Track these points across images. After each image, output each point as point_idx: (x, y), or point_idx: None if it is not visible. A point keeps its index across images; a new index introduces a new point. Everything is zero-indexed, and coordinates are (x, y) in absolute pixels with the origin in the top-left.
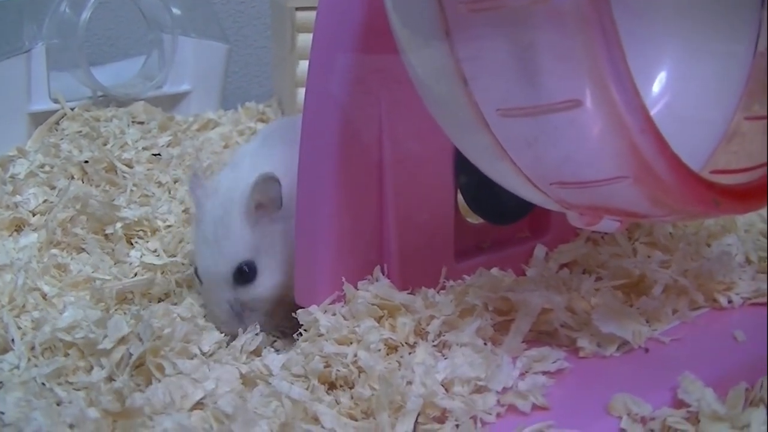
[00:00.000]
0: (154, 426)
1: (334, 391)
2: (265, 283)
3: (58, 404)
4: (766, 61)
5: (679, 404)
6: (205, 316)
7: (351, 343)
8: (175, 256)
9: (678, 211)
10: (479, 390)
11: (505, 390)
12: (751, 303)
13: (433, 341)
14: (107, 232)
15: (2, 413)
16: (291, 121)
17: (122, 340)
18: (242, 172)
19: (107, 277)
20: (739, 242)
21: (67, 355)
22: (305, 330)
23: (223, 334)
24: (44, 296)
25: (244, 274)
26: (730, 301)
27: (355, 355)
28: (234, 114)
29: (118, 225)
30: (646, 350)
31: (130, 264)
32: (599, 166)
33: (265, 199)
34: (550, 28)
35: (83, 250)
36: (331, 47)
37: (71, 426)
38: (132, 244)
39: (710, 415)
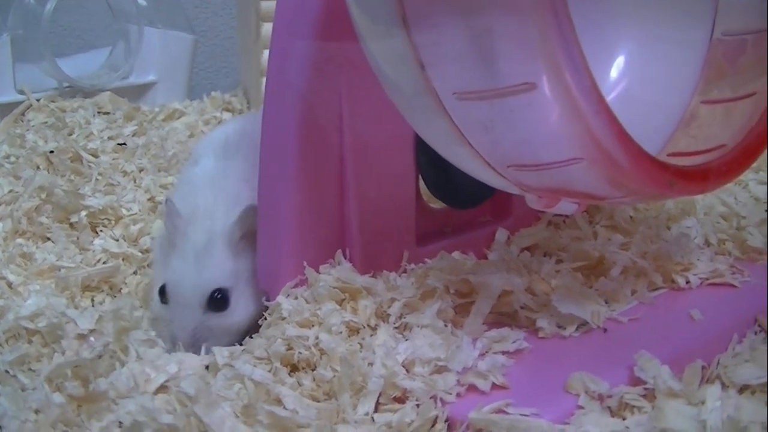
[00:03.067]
0: (118, 409)
1: (297, 373)
2: (237, 313)
3: (22, 390)
4: (723, 46)
5: (635, 382)
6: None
7: (313, 326)
8: (135, 245)
9: (634, 192)
10: (440, 370)
11: (465, 370)
12: (708, 283)
13: (394, 323)
14: (72, 220)
15: None
16: (248, 128)
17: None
18: (222, 196)
19: (71, 266)
20: (699, 225)
21: (30, 342)
22: (269, 314)
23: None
24: (9, 285)
25: (217, 302)
26: (687, 282)
27: (317, 338)
28: (200, 104)
29: (83, 213)
30: (605, 330)
31: (94, 252)
32: (555, 148)
33: (248, 230)
34: (505, 12)
35: (48, 239)
36: (290, 34)
37: (36, 411)
38: (97, 232)
39: (666, 391)
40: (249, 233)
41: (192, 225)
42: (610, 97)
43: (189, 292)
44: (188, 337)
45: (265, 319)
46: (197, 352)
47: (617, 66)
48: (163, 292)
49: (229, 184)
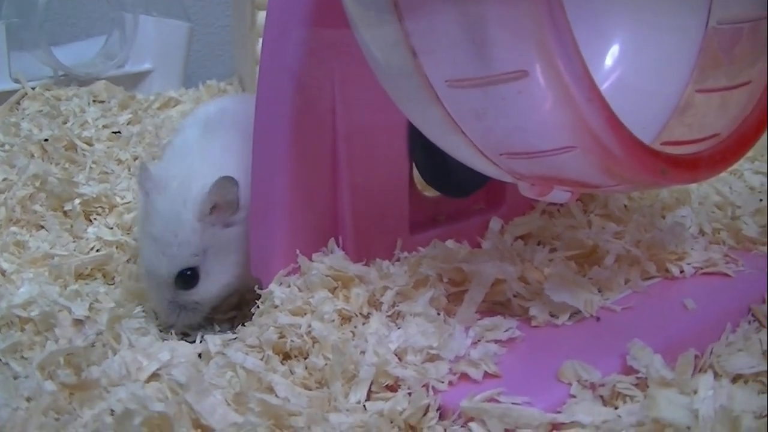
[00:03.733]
0: (109, 397)
1: (289, 361)
2: (207, 289)
3: (15, 378)
4: (718, 35)
5: (628, 371)
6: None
7: (305, 314)
8: (129, 233)
9: (627, 180)
10: (432, 359)
11: (457, 358)
12: (702, 272)
13: (386, 312)
14: (66, 208)
15: None
16: (229, 107)
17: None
18: (195, 168)
19: (64, 253)
20: (693, 214)
21: (23, 330)
22: (261, 302)
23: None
24: (3, 273)
25: (186, 279)
26: (681, 271)
27: (309, 326)
28: (195, 92)
29: (77, 201)
30: (598, 319)
31: (87, 240)
32: (548, 136)
33: (221, 202)
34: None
35: (42, 227)
36: (284, 21)
37: (28, 399)
38: (91, 220)
39: (658, 380)
40: (222, 204)
41: (163, 194)
42: (604, 86)
43: (158, 271)
44: (163, 312)
45: (258, 306)
46: (178, 322)
47: (612, 54)
48: (145, 272)
49: (204, 155)
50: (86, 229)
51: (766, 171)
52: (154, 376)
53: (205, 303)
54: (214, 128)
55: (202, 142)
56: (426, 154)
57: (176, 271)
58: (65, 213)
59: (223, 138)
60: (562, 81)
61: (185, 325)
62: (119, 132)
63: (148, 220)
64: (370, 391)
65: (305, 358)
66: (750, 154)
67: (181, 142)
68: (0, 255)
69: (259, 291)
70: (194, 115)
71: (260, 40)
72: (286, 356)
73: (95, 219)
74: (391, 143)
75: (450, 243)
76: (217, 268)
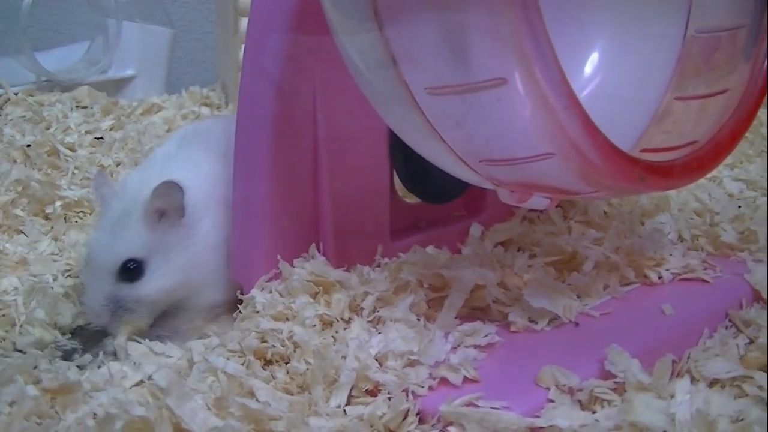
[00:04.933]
0: (91, 402)
1: (270, 366)
2: (150, 286)
3: None
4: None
5: (606, 375)
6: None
7: (287, 320)
8: None
9: (606, 187)
10: (412, 364)
11: (437, 364)
12: (681, 278)
13: (367, 317)
14: (47, 211)
15: None
16: (207, 126)
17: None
18: (152, 175)
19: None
20: (672, 220)
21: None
22: (243, 308)
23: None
24: None
25: (130, 270)
26: (660, 277)
27: (291, 331)
28: (178, 98)
29: (58, 204)
30: (576, 324)
31: (65, 247)
32: (526, 143)
33: (166, 206)
34: (477, 8)
35: (22, 232)
36: (265, 27)
37: (11, 404)
38: (72, 223)
39: (636, 385)
40: (170, 210)
41: (117, 197)
42: (583, 94)
43: (102, 259)
44: (97, 306)
45: (240, 312)
46: (107, 323)
47: (591, 62)
48: (87, 260)
49: (170, 166)
50: (64, 232)
51: (745, 178)
52: (140, 383)
53: (145, 302)
54: (185, 146)
55: (168, 158)
56: (406, 161)
57: (122, 260)
58: (47, 216)
59: (191, 152)
60: (540, 88)
61: (116, 325)
62: (102, 138)
63: (100, 220)
64: (350, 396)
65: (287, 363)
66: (729, 160)
67: (150, 158)
68: None
69: (240, 296)
70: (170, 137)
71: (243, 46)
72: (267, 362)
73: (76, 222)
74: (371, 150)
75: (430, 249)
76: (163, 269)
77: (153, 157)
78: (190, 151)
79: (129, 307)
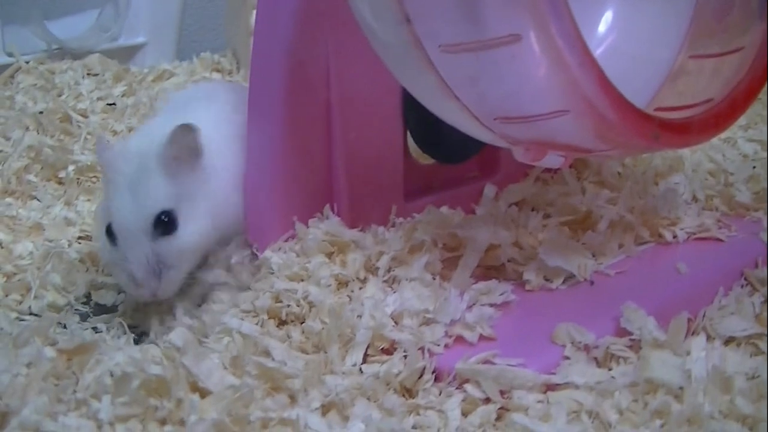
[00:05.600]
0: (107, 361)
1: (286, 326)
2: (188, 234)
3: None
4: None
5: (621, 333)
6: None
7: (302, 280)
8: None
9: (620, 144)
10: (427, 322)
11: (452, 322)
12: (695, 238)
13: (382, 276)
14: (60, 176)
15: None
16: (200, 89)
17: None
18: (154, 133)
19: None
20: (686, 181)
21: None
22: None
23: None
24: (0, 244)
25: (164, 223)
26: (674, 236)
27: (306, 291)
28: (189, 65)
29: (71, 168)
30: (592, 283)
31: (79, 212)
32: (541, 100)
33: (182, 149)
34: None
35: (35, 197)
36: None
37: (29, 365)
38: (85, 187)
39: (651, 342)
40: (185, 153)
41: (123, 158)
42: (597, 52)
43: (133, 222)
44: (142, 272)
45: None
46: (159, 286)
47: (605, 20)
48: (109, 232)
49: (171, 123)
50: (77, 196)
51: (759, 138)
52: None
53: (187, 250)
54: (183, 107)
55: (166, 118)
56: (420, 121)
57: (153, 215)
58: (60, 181)
59: (190, 109)
60: (555, 45)
61: (166, 291)
62: (114, 104)
63: (114, 183)
64: (366, 355)
65: (302, 323)
66: (743, 121)
67: (146, 123)
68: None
69: (256, 251)
70: (168, 100)
71: (254, 12)
72: (282, 322)
73: (89, 186)
74: (385, 110)
75: (444, 209)
76: (195, 214)
77: (150, 122)
78: (193, 109)
79: (171, 262)
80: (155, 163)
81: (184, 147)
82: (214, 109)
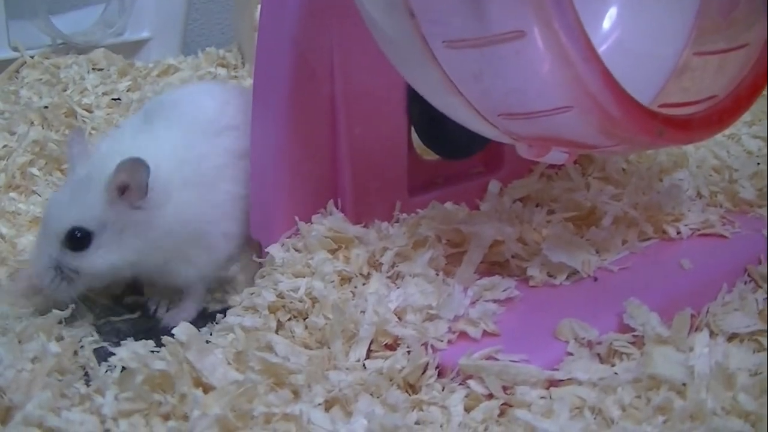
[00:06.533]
0: (112, 356)
1: (289, 322)
2: (93, 259)
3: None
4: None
5: (625, 329)
6: None
7: (305, 276)
8: None
9: (624, 140)
10: (431, 318)
11: (456, 317)
12: (699, 234)
13: (386, 272)
14: (63, 167)
15: None
16: (177, 98)
17: None
18: (120, 146)
19: None
20: (691, 177)
21: None
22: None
23: None
24: (3, 237)
25: (76, 240)
26: (678, 232)
27: (309, 286)
28: (194, 60)
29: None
30: (595, 279)
31: None
32: (544, 96)
33: (129, 182)
34: None
35: (34, 192)
36: None
37: (33, 360)
38: None
39: (655, 338)
40: (133, 187)
41: (85, 161)
42: (602, 48)
43: (53, 221)
44: (42, 268)
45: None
46: (52, 288)
47: (610, 17)
48: (42, 222)
49: (135, 141)
50: None
51: (764, 135)
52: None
53: (84, 274)
54: (156, 118)
55: (136, 130)
56: (424, 117)
57: (69, 226)
58: (62, 172)
59: (157, 128)
60: (559, 41)
61: (54, 294)
62: (119, 99)
63: (66, 181)
64: (369, 350)
65: (305, 319)
66: (748, 118)
67: (122, 123)
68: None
69: (256, 259)
70: (149, 102)
71: (259, 6)
72: (286, 317)
73: None
74: (389, 106)
75: (449, 205)
76: (112, 246)
77: (123, 126)
78: (159, 125)
79: (69, 275)
80: (101, 181)
81: (132, 180)
82: (182, 130)
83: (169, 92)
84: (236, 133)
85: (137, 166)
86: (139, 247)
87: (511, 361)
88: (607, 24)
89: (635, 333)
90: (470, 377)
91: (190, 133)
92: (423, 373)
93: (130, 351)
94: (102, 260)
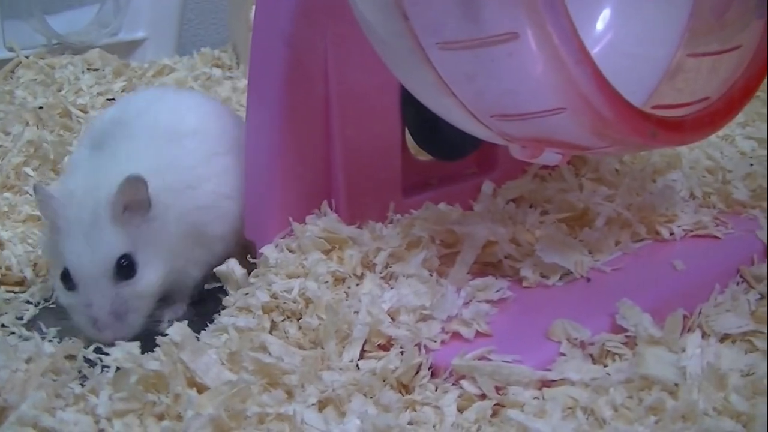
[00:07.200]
0: (105, 357)
1: (283, 322)
2: (146, 277)
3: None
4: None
5: (617, 330)
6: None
7: (299, 276)
8: None
9: (617, 142)
10: (424, 318)
11: (449, 318)
12: (692, 235)
13: (380, 273)
14: (58, 166)
15: None
16: (119, 111)
17: None
18: (98, 174)
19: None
20: (684, 178)
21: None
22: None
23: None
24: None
25: (125, 267)
26: (671, 233)
27: (303, 287)
28: (190, 60)
29: (66, 158)
30: (588, 279)
31: None
32: (538, 98)
33: (131, 200)
34: None
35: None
36: None
37: (28, 360)
38: None
39: (647, 339)
40: (136, 204)
41: (70, 206)
42: (594, 50)
43: (93, 269)
44: (105, 317)
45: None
46: (121, 329)
47: (603, 19)
48: (65, 278)
49: (100, 170)
50: None
51: (757, 136)
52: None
53: (147, 294)
54: (101, 141)
55: (92, 155)
56: (418, 117)
57: (114, 259)
58: (56, 173)
59: (113, 147)
60: (552, 43)
61: (129, 333)
62: (114, 99)
63: (63, 233)
64: (363, 351)
65: (298, 320)
66: (741, 119)
67: (72, 160)
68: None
69: (251, 260)
70: (89, 129)
71: (254, 6)
72: (279, 318)
73: None
74: (383, 106)
75: (442, 206)
76: (152, 258)
77: (79, 157)
78: (119, 144)
79: (133, 305)
80: (106, 212)
81: (134, 197)
82: (153, 148)
83: (109, 111)
84: (199, 137)
85: (135, 182)
86: (172, 250)
87: (503, 361)
88: (600, 26)
89: (628, 334)
90: (463, 377)
91: (156, 142)
92: (416, 374)
93: (124, 351)
94: (155, 273)
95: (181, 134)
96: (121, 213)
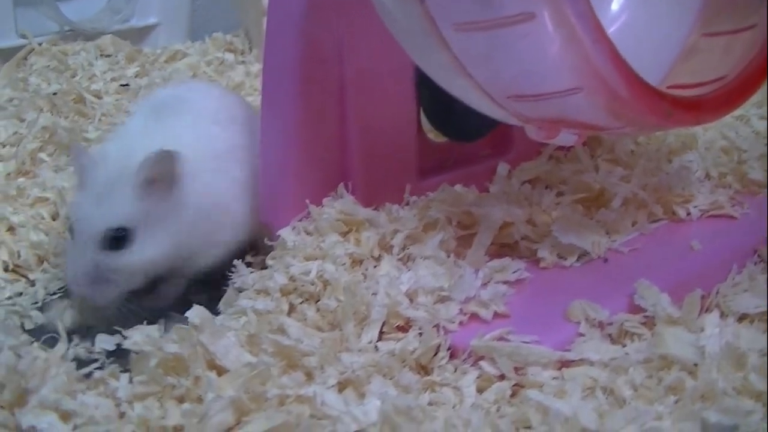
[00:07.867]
0: (126, 339)
1: (301, 304)
2: (137, 255)
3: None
4: None
5: (635, 310)
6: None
7: (317, 259)
8: None
9: (632, 122)
10: (442, 300)
11: (467, 299)
12: (708, 215)
13: (397, 254)
14: None
15: None
16: (182, 92)
17: None
18: (134, 142)
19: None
20: (699, 158)
21: None
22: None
23: None
24: (13, 229)
25: (116, 239)
26: (688, 213)
27: (321, 269)
28: (202, 45)
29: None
30: (605, 260)
31: None
32: (554, 78)
33: (158, 174)
34: None
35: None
36: None
37: (46, 345)
38: None
39: (665, 319)
40: (161, 179)
41: (100, 166)
42: (610, 30)
43: (89, 228)
44: (83, 275)
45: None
46: (93, 295)
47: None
48: (71, 227)
49: (146, 136)
50: None
51: None
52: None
53: (126, 273)
54: (160, 113)
55: (146, 126)
56: (434, 99)
57: (108, 228)
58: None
59: (168, 123)
60: (569, 23)
61: (94, 298)
62: (128, 84)
63: (83, 188)
64: (381, 332)
65: (317, 302)
66: (756, 99)
67: (126, 126)
68: (11, 206)
69: (269, 242)
70: (145, 100)
71: None
72: (298, 300)
73: None
74: (398, 89)
75: (458, 187)
76: (152, 238)
77: (131, 125)
78: (167, 119)
79: (112, 276)
80: (128, 180)
81: (161, 172)
82: (193, 121)
83: (168, 89)
84: (237, 127)
85: (165, 156)
86: (172, 238)
87: (522, 342)
88: (615, 6)
89: (646, 314)
90: (482, 358)
91: (200, 123)
92: (435, 355)
93: (143, 334)
94: (141, 256)
95: (225, 119)
96: (142, 184)
